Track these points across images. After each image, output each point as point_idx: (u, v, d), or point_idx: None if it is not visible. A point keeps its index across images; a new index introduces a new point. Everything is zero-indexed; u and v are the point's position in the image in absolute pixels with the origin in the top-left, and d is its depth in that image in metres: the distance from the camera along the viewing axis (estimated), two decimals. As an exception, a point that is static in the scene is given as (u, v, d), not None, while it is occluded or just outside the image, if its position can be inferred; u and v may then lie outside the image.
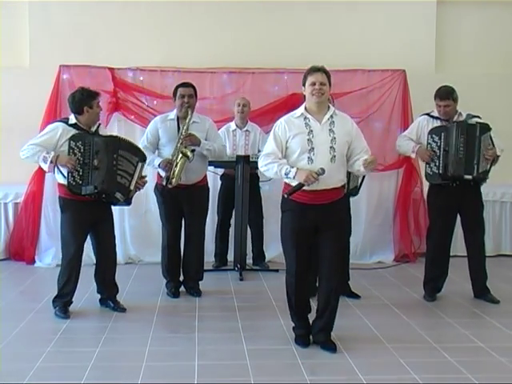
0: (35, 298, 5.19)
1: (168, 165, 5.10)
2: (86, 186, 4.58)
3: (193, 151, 5.11)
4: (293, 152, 3.95)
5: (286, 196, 3.97)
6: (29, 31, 6.83)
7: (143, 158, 4.80)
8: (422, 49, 7.11)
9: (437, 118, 5.22)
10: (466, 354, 3.99)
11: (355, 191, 5.24)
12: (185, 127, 5.14)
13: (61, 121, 4.83)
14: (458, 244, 6.13)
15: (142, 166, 4.80)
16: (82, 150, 4.58)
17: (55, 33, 6.80)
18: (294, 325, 4.23)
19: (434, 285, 5.28)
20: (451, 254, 5.36)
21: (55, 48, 6.74)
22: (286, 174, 3.90)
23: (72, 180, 4.59)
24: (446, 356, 3.96)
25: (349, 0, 7.02)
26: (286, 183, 4.03)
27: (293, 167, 3.89)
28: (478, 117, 5.19)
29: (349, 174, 4.76)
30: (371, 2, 7.05)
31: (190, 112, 5.17)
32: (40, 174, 6.37)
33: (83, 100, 4.68)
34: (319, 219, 3.95)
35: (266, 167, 4.00)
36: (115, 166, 4.61)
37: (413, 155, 5.37)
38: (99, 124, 4.86)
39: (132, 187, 4.71)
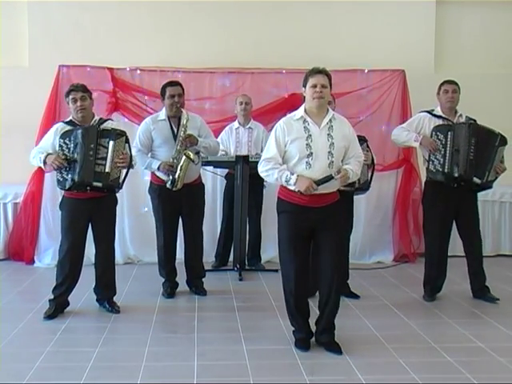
0: (34, 298, 5.19)
1: (170, 168, 5.09)
2: (67, 181, 4.56)
3: (197, 153, 5.10)
4: (291, 157, 3.95)
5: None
6: (28, 31, 6.84)
7: (115, 137, 4.59)
8: (421, 49, 7.12)
9: (439, 116, 5.18)
10: (466, 354, 3.99)
11: (366, 185, 5.17)
12: (183, 128, 5.12)
13: (62, 120, 4.89)
14: (457, 244, 6.12)
15: (116, 144, 4.57)
16: (69, 146, 4.57)
17: (54, 33, 6.81)
18: (293, 328, 4.19)
19: (433, 285, 5.28)
20: (450, 254, 5.36)
21: (54, 48, 6.75)
22: (287, 181, 3.91)
23: (60, 176, 4.61)
24: (445, 356, 3.96)
25: (348, 0, 7.03)
26: (281, 185, 4.03)
27: (293, 174, 3.89)
28: (474, 120, 5.17)
29: None
30: (370, 1, 7.05)
31: (185, 112, 5.16)
32: (39, 174, 6.37)
33: (65, 97, 4.83)
34: (315, 221, 3.95)
35: (267, 173, 4.00)
36: (92, 155, 4.52)
37: (415, 144, 5.23)
38: (106, 119, 4.85)
39: (107, 169, 4.55)
